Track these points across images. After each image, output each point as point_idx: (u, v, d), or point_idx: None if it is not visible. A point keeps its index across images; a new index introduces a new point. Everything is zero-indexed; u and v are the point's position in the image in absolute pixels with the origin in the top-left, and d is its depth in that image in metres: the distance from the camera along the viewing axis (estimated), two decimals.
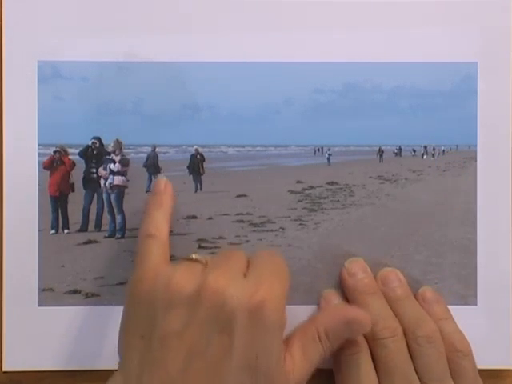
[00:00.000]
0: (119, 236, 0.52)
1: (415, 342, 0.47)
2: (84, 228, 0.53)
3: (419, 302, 0.50)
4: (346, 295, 0.50)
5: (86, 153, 0.53)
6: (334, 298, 0.50)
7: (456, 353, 0.48)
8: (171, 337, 0.41)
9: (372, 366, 0.47)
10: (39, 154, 0.52)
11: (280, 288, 0.43)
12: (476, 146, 0.52)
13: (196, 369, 0.40)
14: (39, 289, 0.51)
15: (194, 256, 0.45)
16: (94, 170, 0.53)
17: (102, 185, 0.53)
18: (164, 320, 0.41)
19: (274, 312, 0.41)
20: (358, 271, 0.49)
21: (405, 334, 0.47)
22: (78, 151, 0.53)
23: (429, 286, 0.51)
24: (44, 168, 0.52)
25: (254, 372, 0.41)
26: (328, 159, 0.54)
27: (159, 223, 0.47)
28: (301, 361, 0.43)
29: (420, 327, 0.47)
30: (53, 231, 0.52)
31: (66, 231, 0.52)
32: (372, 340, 0.47)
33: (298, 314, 0.47)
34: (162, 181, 0.49)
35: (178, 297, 0.41)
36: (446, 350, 0.47)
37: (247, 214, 0.53)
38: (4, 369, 0.51)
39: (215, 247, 0.52)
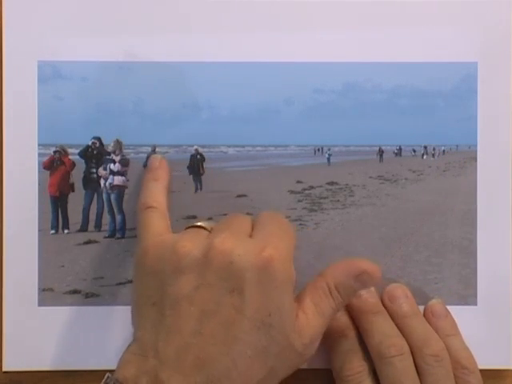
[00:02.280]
0: (119, 236, 0.52)
1: (423, 361, 0.46)
2: (84, 228, 0.53)
3: (427, 315, 0.49)
4: (351, 314, 0.49)
5: (86, 153, 0.53)
6: None
7: (462, 370, 0.48)
8: (183, 301, 0.41)
9: None
10: (39, 154, 0.52)
11: (286, 244, 0.43)
12: (476, 146, 0.52)
13: (210, 330, 0.40)
14: (39, 289, 0.51)
15: (198, 223, 0.45)
16: (94, 170, 0.53)
17: (102, 185, 0.53)
18: (174, 285, 0.42)
19: (282, 268, 0.42)
20: (362, 292, 0.48)
21: (412, 352, 0.47)
22: (78, 151, 0.53)
23: (439, 299, 0.50)
24: (44, 168, 0.52)
25: (268, 329, 0.41)
26: (328, 159, 0.54)
27: (157, 195, 0.48)
28: (313, 316, 0.43)
29: (428, 346, 0.47)
30: (53, 231, 0.52)
31: (66, 231, 0.53)
32: (378, 359, 0.46)
33: None
34: (156, 157, 0.51)
35: (185, 261, 0.42)
36: (453, 367, 0.47)
37: (247, 214, 0.52)
38: (4, 369, 0.51)
39: None
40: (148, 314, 0.42)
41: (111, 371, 0.49)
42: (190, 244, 0.43)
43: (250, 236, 0.44)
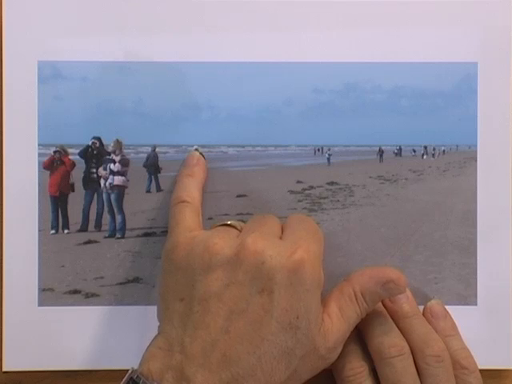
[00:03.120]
0: (119, 236, 0.52)
1: (423, 361, 0.47)
2: (84, 228, 0.53)
3: (426, 316, 0.50)
4: None
5: (86, 153, 0.53)
6: None
7: (462, 370, 0.48)
8: (211, 298, 0.41)
9: None
10: (39, 154, 0.52)
11: (316, 248, 0.44)
12: (476, 146, 0.52)
13: (237, 329, 0.41)
14: (39, 289, 0.51)
15: (229, 222, 0.46)
16: (94, 170, 0.53)
17: (102, 185, 0.53)
18: (203, 282, 0.42)
19: (312, 271, 0.42)
20: None
21: (412, 353, 0.47)
22: (78, 151, 0.53)
23: (438, 300, 0.51)
24: (44, 168, 0.52)
25: (295, 331, 0.41)
26: (328, 159, 0.54)
27: (191, 191, 0.48)
28: (338, 321, 0.44)
29: (428, 346, 0.47)
30: (53, 231, 0.52)
31: (66, 231, 0.53)
32: (379, 359, 0.47)
33: None
34: (195, 154, 0.51)
35: (216, 258, 0.42)
36: (452, 368, 0.47)
37: (247, 214, 0.52)
38: (4, 369, 0.51)
39: None
40: (176, 308, 0.42)
41: (111, 371, 0.49)
42: (222, 242, 0.43)
43: (280, 238, 0.44)
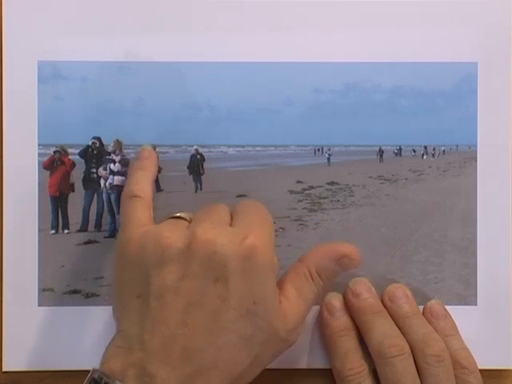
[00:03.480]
0: None
1: (424, 361, 0.46)
2: (84, 228, 0.53)
3: (426, 316, 0.49)
4: (351, 314, 0.49)
5: (86, 153, 0.53)
6: (335, 301, 0.49)
7: (462, 370, 0.47)
8: (167, 292, 0.41)
9: None
10: (39, 154, 0.52)
11: (267, 232, 0.43)
12: (476, 145, 0.52)
13: (196, 321, 0.41)
14: (39, 289, 0.51)
15: (178, 214, 0.45)
16: (94, 170, 0.53)
17: (102, 185, 0.53)
18: (158, 276, 0.42)
19: (265, 256, 0.42)
20: (362, 291, 0.49)
21: (412, 353, 0.47)
22: (78, 151, 0.53)
23: (438, 300, 0.50)
24: (44, 168, 0.52)
25: (253, 317, 0.41)
26: (328, 159, 0.54)
27: (143, 185, 0.48)
28: (296, 302, 0.44)
29: (428, 346, 0.47)
30: (53, 231, 0.52)
31: (66, 231, 0.53)
32: (379, 359, 0.46)
33: None
34: (146, 149, 0.51)
35: (169, 252, 0.42)
36: (453, 367, 0.47)
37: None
38: (4, 369, 0.51)
39: None
40: (132, 305, 0.42)
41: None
42: (173, 235, 0.42)
43: (230, 225, 0.44)
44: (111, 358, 0.41)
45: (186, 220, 0.45)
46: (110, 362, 0.41)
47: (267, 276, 0.42)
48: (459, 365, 0.47)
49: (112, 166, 0.53)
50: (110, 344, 0.43)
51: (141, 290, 0.42)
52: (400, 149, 0.54)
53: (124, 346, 0.41)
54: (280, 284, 0.44)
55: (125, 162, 0.53)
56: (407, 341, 0.47)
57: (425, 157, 0.54)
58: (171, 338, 0.40)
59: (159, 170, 0.53)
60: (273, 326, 0.42)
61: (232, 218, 0.45)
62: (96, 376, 0.41)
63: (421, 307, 0.50)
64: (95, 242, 0.53)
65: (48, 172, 0.52)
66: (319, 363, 0.50)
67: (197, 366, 0.40)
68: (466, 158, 0.53)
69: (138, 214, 0.46)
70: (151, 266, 0.42)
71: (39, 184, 0.52)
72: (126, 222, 0.46)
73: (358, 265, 0.46)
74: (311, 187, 0.54)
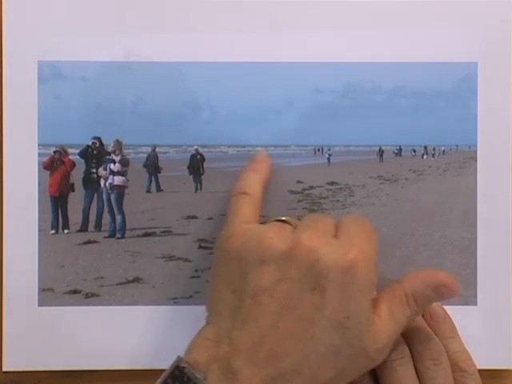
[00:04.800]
0: (119, 236, 0.52)
1: (422, 365, 0.46)
2: (84, 228, 0.53)
3: (426, 318, 0.49)
4: None
5: (86, 153, 0.53)
6: None
7: (461, 373, 0.47)
8: (263, 292, 0.41)
9: None
10: (39, 154, 0.52)
11: (371, 249, 0.43)
12: (476, 146, 0.52)
13: (287, 325, 0.41)
14: (39, 289, 0.51)
15: (283, 218, 0.46)
16: (94, 170, 0.53)
17: (102, 185, 0.53)
18: (256, 275, 0.42)
19: (365, 272, 0.41)
20: None
21: (411, 356, 0.47)
22: (78, 151, 0.53)
23: (438, 302, 0.50)
24: (44, 168, 0.52)
25: (344, 331, 0.41)
26: (328, 159, 0.54)
27: (253, 184, 0.48)
28: (388, 323, 0.43)
29: (427, 349, 0.47)
30: (53, 231, 0.52)
31: (66, 231, 0.53)
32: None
33: None
34: (262, 153, 0.52)
35: (270, 253, 0.42)
36: (452, 370, 0.47)
37: None
38: (4, 369, 0.51)
39: None
40: (226, 300, 0.42)
41: (111, 371, 0.49)
42: (277, 236, 0.43)
43: (335, 237, 0.43)
44: (197, 348, 0.42)
45: (291, 225, 0.45)
46: (195, 352, 0.41)
47: (364, 292, 0.42)
48: (458, 368, 0.47)
49: (112, 165, 0.53)
50: (197, 334, 0.43)
51: (237, 285, 0.42)
52: (400, 149, 0.54)
53: (212, 339, 0.42)
54: (374, 302, 0.43)
55: (125, 162, 0.53)
56: (406, 344, 0.47)
57: (425, 157, 0.54)
58: (260, 337, 0.41)
59: (159, 170, 0.53)
60: (362, 342, 0.41)
61: (337, 231, 0.44)
62: (180, 364, 0.41)
63: None
64: (95, 242, 0.53)
65: (48, 172, 0.52)
66: None
67: (281, 370, 0.40)
68: (465, 158, 0.53)
69: (244, 211, 0.46)
70: (251, 264, 0.42)
71: (39, 184, 0.52)
72: (232, 216, 0.46)
73: (455, 295, 0.44)
74: (311, 187, 0.54)
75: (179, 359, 0.41)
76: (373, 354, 0.42)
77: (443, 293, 0.44)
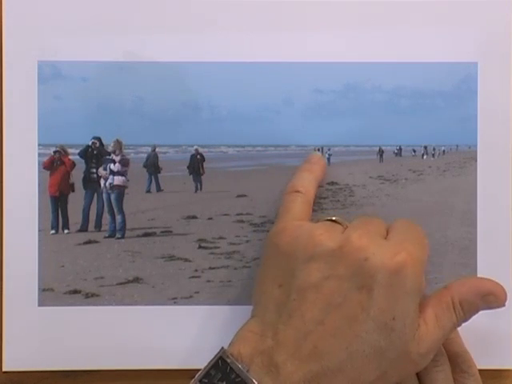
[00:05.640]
0: (119, 236, 0.52)
1: None
2: (84, 228, 0.53)
3: None
4: None
5: (86, 153, 0.53)
6: None
7: (462, 374, 0.48)
8: (310, 288, 0.41)
9: None
10: (39, 154, 0.52)
11: (421, 253, 0.43)
12: (476, 146, 0.52)
13: (332, 322, 0.41)
14: (39, 289, 0.51)
15: (334, 217, 0.46)
16: (94, 170, 0.53)
17: (102, 185, 0.53)
18: (304, 271, 0.42)
19: (414, 275, 0.42)
20: None
21: None
22: (78, 151, 0.53)
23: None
24: (44, 168, 0.52)
25: (389, 333, 0.41)
26: (328, 159, 0.54)
27: (307, 183, 0.49)
28: (434, 328, 0.43)
29: None
30: (53, 231, 0.52)
31: (66, 231, 0.52)
32: None
33: None
34: (317, 154, 0.52)
35: (320, 250, 0.42)
36: (452, 371, 0.47)
37: (247, 214, 0.53)
38: (4, 369, 0.51)
39: (215, 247, 0.52)
40: (272, 294, 0.43)
41: (111, 371, 0.49)
42: (327, 234, 0.43)
43: (385, 239, 0.43)
44: (242, 341, 0.42)
45: (341, 225, 0.45)
46: (240, 344, 0.42)
47: (412, 295, 0.42)
48: (459, 369, 0.47)
49: (112, 166, 0.53)
50: (242, 327, 0.43)
51: (284, 280, 0.43)
52: (400, 149, 0.54)
53: (256, 332, 0.42)
54: (421, 307, 0.43)
55: (125, 162, 0.53)
56: None
57: (425, 157, 0.54)
58: (305, 333, 0.41)
59: (159, 170, 0.53)
60: (407, 346, 0.41)
61: (388, 233, 0.44)
62: (224, 356, 0.41)
63: None
64: (95, 241, 0.53)
65: (48, 172, 0.52)
66: None
67: (324, 367, 0.40)
68: (465, 158, 0.53)
69: (297, 208, 0.47)
70: (300, 260, 0.42)
71: (39, 184, 0.52)
72: (284, 213, 0.47)
73: (502, 305, 0.45)
74: None
75: (223, 350, 0.42)
76: (416, 358, 0.42)
77: (491, 302, 0.44)
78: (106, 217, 0.53)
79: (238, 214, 0.52)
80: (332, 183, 0.53)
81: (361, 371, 0.41)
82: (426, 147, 0.54)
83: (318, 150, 0.54)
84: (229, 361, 0.41)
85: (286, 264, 0.43)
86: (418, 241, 0.44)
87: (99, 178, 0.53)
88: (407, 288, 0.41)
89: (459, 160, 0.53)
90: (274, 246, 0.45)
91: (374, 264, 0.41)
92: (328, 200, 0.53)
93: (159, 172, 0.53)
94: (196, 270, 0.52)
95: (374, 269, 0.41)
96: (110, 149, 0.53)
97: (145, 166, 0.53)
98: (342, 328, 0.41)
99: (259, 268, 0.46)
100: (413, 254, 0.42)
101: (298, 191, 0.48)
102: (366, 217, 0.46)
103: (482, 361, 0.49)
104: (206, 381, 0.41)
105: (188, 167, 0.53)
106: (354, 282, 0.41)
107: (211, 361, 0.42)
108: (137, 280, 0.52)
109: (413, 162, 0.54)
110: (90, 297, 0.52)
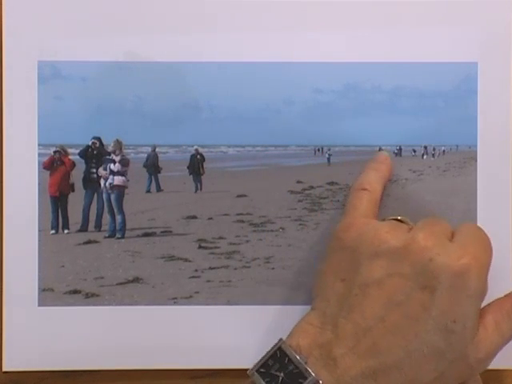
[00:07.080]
0: (119, 236, 0.52)
1: None
2: (84, 228, 0.53)
3: None
4: None
5: (86, 153, 0.53)
6: None
7: None
8: (372, 285, 0.42)
9: None
10: (39, 154, 0.52)
11: (485, 257, 0.43)
12: (476, 146, 0.52)
13: (393, 320, 0.41)
14: (39, 289, 0.51)
15: (399, 217, 0.46)
16: (94, 170, 0.53)
17: (102, 185, 0.53)
18: (368, 267, 0.42)
19: (477, 279, 0.42)
20: None
21: None
22: (78, 151, 0.53)
23: None
24: (44, 168, 0.52)
25: (449, 335, 0.41)
26: (328, 159, 0.54)
27: (373, 181, 0.49)
28: (493, 334, 0.43)
29: None
30: (53, 231, 0.52)
31: (66, 231, 0.53)
32: None
33: (299, 314, 0.47)
34: (384, 154, 0.52)
35: (385, 247, 0.42)
36: None
37: (247, 214, 0.53)
38: (4, 369, 0.51)
39: (215, 247, 0.52)
40: (334, 287, 0.43)
41: (111, 371, 0.49)
42: (393, 232, 0.43)
43: (450, 241, 0.43)
44: (301, 333, 0.42)
45: (407, 224, 0.45)
46: (299, 336, 0.42)
47: (474, 299, 0.42)
48: None
49: (112, 166, 0.53)
50: (302, 319, 0.43)
51: (347, 274, 0.43)
52: (400, 149, 0.54)
53: (316, 325, 0.42)
54: (481, 313, 0.43)
55: (125, 162, 0.53)
56: None
57: (425, 157, 0.54)
58: (365, 329, 0.41)
59: (159, 170, 0.53)
60: (465, 349, 0.42)
61: (453, 236, 0.44)
62: (283, 346, 0.42)
63: None
64: (95, 242, 0.53)
65: (48, 172, 0.52)
66: None
67: (382, 364, 0.41)
68: (465, 158, 0.53)
69: (364, 206, 0.47)
70: (364, 255, 0.43)
71: (39, 184, 0.52)
72: (351, 209, 0.47)
73: None
74: (311, 187, 0.54)
75: (281, 341, 0.42)
76: (474, 362, 0.42)
77: None
78: (106, 217, 0.53)
79: (238, 214, 0.52)
80: (332, 183, 0.53)
81: (418, 371, 0.41)
82: (426, 147, 0.54)
83: (318, 150, 0.54)
84: (287, 352, 0.41)
85: (350, 259, 0.43)
86: (483, 245, 0.44)
87: (99, 178, 0.53)
88: (470, 291, 0.41)
89: (459, 160, 0.53)
90: (339, 241, 0.45)
91: (438, 265, 0.41)
92: (328, 200, 0.53)
93: (159, 172, 0.53)
94: (196, 270, 0.52)
95: (438, 270, 0.41)
96: (109, 149, 0.53)
97: (145, 166, 0.53)
98: (402, 326, 0.41)
99: (322, 262, 0.46)
100: (477, 257, 0.42)
101: (364, 189, 0.48)
102: (433, 218, 0.46)
103: None
104: (264, 370, 0.42)
105: (188, 167, 0.53)
106: (417, 282, 0.41)
107: (269, 351, 0.42)
108: (137, 280, 0.52)
109: (413, 162, 0.54)
110: (89, 297, 0.52)
